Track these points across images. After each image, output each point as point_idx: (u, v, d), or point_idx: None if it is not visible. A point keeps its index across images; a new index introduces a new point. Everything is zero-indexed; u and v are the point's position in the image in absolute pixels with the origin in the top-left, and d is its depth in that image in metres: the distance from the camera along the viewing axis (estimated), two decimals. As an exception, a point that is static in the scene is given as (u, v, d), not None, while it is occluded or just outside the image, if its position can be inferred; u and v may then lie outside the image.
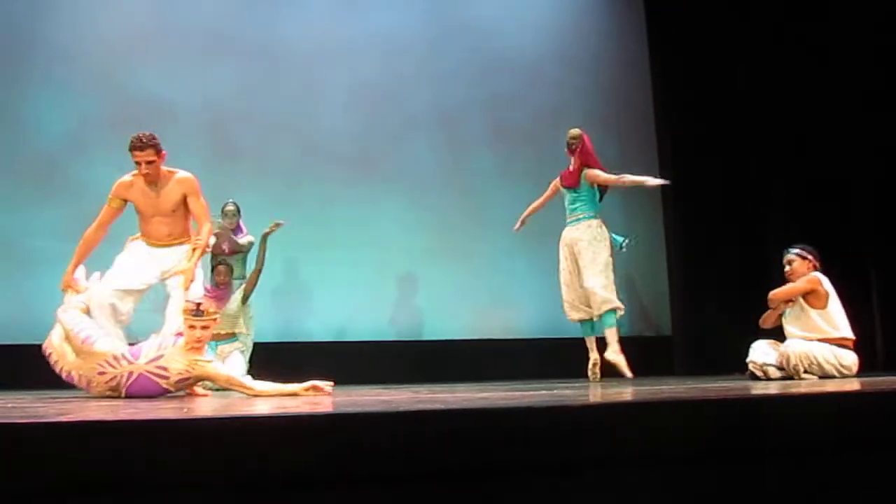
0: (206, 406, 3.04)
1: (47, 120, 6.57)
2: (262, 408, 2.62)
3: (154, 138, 4.37)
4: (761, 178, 7.05)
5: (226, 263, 5.77)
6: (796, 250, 4.87)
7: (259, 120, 6.89)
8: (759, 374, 4.59)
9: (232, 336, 5.73)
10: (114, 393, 3.77)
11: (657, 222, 7.44)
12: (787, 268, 4.86)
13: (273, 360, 5.93)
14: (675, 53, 7.30)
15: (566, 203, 5.76)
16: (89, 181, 6.56)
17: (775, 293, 4.77)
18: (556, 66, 7.59)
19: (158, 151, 4.38)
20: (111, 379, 3.75)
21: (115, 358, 3.77)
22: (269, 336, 6.29)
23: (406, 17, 7.40)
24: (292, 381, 3.54)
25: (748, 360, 4.67)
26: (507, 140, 7.34)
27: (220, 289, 5.75)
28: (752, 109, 7.06)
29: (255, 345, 5.92)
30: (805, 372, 4.47)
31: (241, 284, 5.85)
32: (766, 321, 4.83)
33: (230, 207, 5.95)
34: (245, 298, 5.80)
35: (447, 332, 7.01)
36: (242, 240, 5.96)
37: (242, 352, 5.74)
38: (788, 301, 4.74)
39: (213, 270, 5.78)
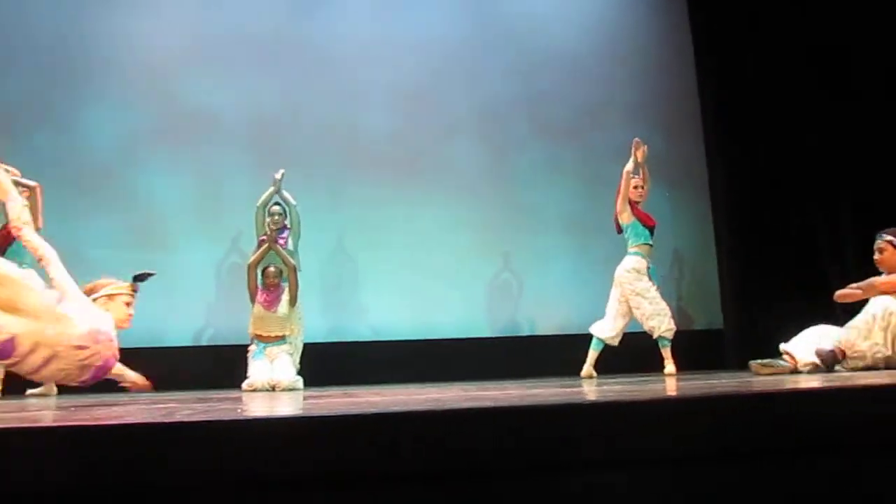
0: (262, 405, 3.09)
1: (101, 132, 6.76)
2: (321, 410, 2.66)
3: None
4: (813, 165, 6.88)
5: (275, 266, 5.87)
6: (888, 237, 4.44)
7: (304, 125, 6.98)
8: (787, 362, 4.27)
9: (281, 339, 5.82)
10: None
11: (706, 213, 7.33)
12: (877, 255, 4.44)
13: (322, 361, 6.03)
14: (721, 44, 7.17)
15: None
16: (142, 191, 6.75)
17: (882, 283, 4.33)
18: (599, 60, 7.52)
19: None
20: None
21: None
22: (318, 337, 6.38)
23: (448, 17, 7.41)
24: (341, 383, 3.58)
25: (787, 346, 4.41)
26: (550, 137, 7.31)
27: (269, 291, 5.85)
28: (803, 96, 6.90)
29: (305, 345, 6.00)
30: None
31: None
32: (846, 298, 4.52)
33: (275, 208, 6.06)
34: (293, 301, 5.88)
35: (492, 329, 7.03)
36: (289, 245, 6.05)
37: (291, 354, 5.82)
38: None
39: (262, 273, 5.88)
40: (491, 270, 7.10)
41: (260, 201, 6.07)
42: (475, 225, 7.06)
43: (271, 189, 6.08)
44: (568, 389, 3.29)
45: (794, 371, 4.24)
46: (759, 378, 3.88)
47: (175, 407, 2.74)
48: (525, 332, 7.07)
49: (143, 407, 2.86)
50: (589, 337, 5.80)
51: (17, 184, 5.30)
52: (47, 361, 3.05)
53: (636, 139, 5.81)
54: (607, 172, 6.54)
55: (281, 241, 5.99)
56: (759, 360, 4.29)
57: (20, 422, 2.22)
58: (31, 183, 5.61)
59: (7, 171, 4.58)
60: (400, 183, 6.98)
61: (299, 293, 5.92)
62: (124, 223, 6.64)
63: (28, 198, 5.50)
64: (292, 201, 6.10)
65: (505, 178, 7.23)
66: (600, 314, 5.85)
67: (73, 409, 2.92)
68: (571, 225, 7.13)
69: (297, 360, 5.86)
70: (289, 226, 6.10)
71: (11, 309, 3.01)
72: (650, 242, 5.81)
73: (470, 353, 6.55)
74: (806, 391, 2.61)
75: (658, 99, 7.49)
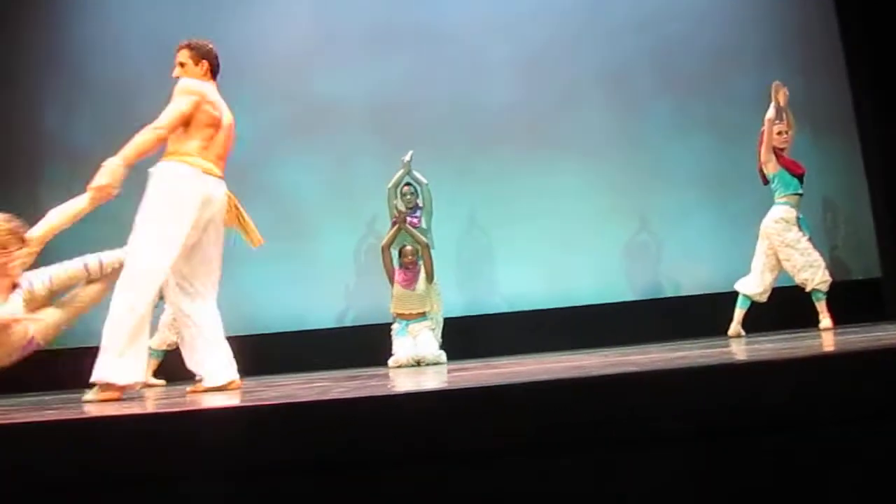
0: (408, 381, 3.19)
1: (238, 129, 7.11)
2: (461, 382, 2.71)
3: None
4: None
5: (410, 245, 6.01)
6: None
7: (428, 105, 7.07)
8: None
9: (422, 315, 5.96)
10: None
11: (855, 157, 6.83)
12: None
13: (462, 335, 6.13)
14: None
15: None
16: (280, 183, 7.09)
17: None
18: (726, 1, 7.14)
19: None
20: None
21: None
22: (457, 311, 6.49)
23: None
24: (482, 355, 3.62)
25: None
26: (678, 90, 7.02)
27: (407, 270, 6.01)
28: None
29: (444, 320, 6.12)
30: None
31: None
32: None
33: (406, 188, 6.19)
34: (429, 277, 6.00)
35: (633, 293, 6.89)
36: (422, 224, 6.16)
37: (433, 329, 5.95)
38: None
39: (399, 253, 6.03)
40: (627, 233, 6.95)
41: (391, 183, 6.21)
42: (606, 188, 6.93)
43: (401, 171, 6.21)
44: (716, 350, 3.19)
45: None
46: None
47: (328, 385, 2.87)
48: (667, 294, 6.88)
49: (300, 387, 3.02)
50: (735, 295, 5.58)
51: None
52: None
53: (776, 82, 5.48)
54: (742, 122, 6.23)
55: (414, 221, 6.12)
56: None
57: (196, 405, 2.41)
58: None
59: None
60: (527, 153, 6.94)
61: (436, 269, 6.04)
62: (267, 215, 6.97)
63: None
64: (423, 181, 6.20)
65: (633, 137, 7.03)
66: (745, 270, 5.61)
67: (240, 391, 3.13)
68: (707, 179, 6.84)
69: (440, 334, 5.99)
70: (421, 205, 6.22)
71: None
72: (800, 192, 5.47)
73: (610, 318, 6.46)
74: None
75: (794, 39, 7.01)
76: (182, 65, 3.67)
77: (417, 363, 5.55)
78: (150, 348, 5.47)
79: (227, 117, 3.70)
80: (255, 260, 6.92)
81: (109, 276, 3.71)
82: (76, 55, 7.26)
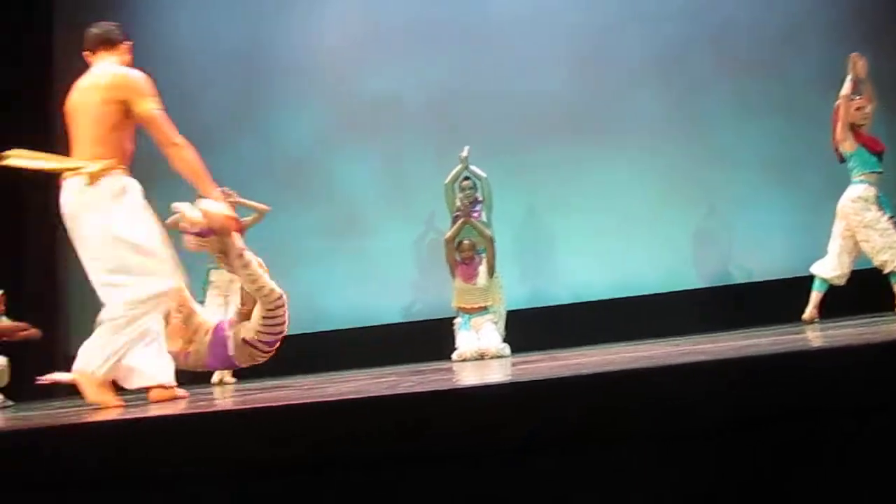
0: (471, 373, 3.18)
1: (295, 131, 7.28)
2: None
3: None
4: None
5: (468, 239, 6.00)
6: None
7: (482, 98, 7.05)
8: None
9: (484, 309, 5.95)
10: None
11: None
12: None
13: (525, 327, 6.10)
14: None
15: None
16: (338, 181, 7.20)
17: None
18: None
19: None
20: None
21: None
22: (520, 304, 6.46)
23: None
24: (546, 347, 3.59)
25: None
26: (738, 71, 6.83)
27: (467, 264, 6.01)
28: None
29: (507, 313, 6.10)
30: None
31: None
32: None
33: (465, 183, 6.18)
34: (490, 271, 5.98)
35: (701, 280, 6.74)
36: (483, 217, 6.15)
37: (495, 323, 5.93)
38: None
39: (457, 248, 6.03)
40: (692, 219, 6.81)
41: (448, 179, 6.20)
42: (668, 174, 6.80)
43: (459, 167, 6.19)
44: (789, 337, 3.10)
45: None
46: None
47: (396, 380, 2.90)
48: (737, 280, 6.71)
49: (368, 382, 3.05)
50: (810, 279, 5.39)
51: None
52: None
53: (853, 54, 5.20)
54: (806, 101, 6.05)
55: (475, 215, 6.10)
56: None
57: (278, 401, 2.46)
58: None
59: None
60: (585, 142, 6.87)
61: (497, 262, 6.02)
62: (326, 214, 7.12)
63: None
64: (482, 174, 6.18)
65: (693, 121, 6.88)
66: (817, 253, 5.42)
67: (307, 387, 3.18)
68: (773, 162, 6.65)
69: (503, 327, 5.97)
70: (481, 199, 6.20)
71: None
72: (879, 170, 5.21)
73: (677, 306, 6.34)
74: None
75: (861, 13, 6.74)
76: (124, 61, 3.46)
77: (481, 356, 5.54)
78: None
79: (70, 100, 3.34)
80: (317, 258, 7.06)
81: None
82: (139, 66, 7.48)
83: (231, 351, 3.56)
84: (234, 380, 5.93)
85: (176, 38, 7.51)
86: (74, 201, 3.15)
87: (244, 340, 3.54)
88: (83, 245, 3.17)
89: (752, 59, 6.81)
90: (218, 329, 3.61)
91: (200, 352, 3.58)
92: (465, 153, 6.18)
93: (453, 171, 6.20)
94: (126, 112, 3.23)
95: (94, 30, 3.44)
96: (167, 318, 3.41)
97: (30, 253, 7.20)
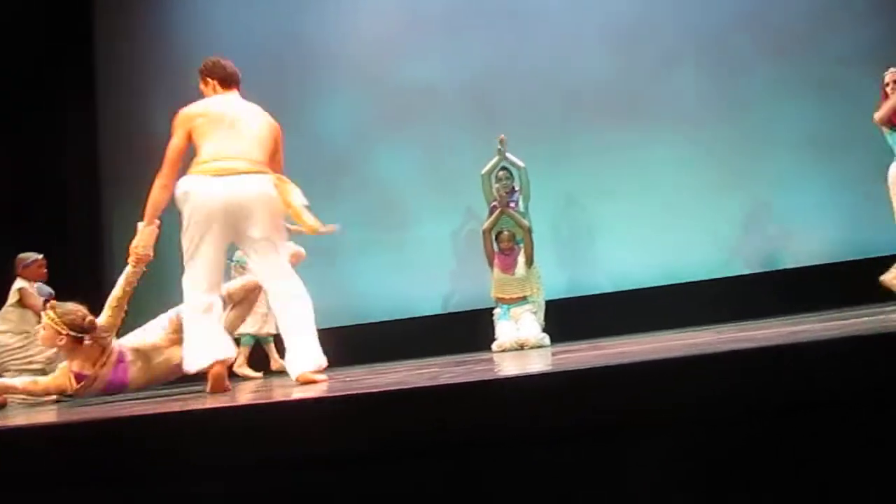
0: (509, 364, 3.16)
1: (334, 123, 7.31)
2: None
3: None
4: None
5: (507, 230, 5.97)
6: None
7: (520, 84, 7.00)
8: None
9: (522, 299, 5.92)
10: None
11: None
12: None
13: (565, 316, 6.05)
14: None
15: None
16: (377, 172, 7.21)
17: None
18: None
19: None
20: None
21: None
22: (559, 293, 6.41)
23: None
24: (587, 336, 3.55)
25: None
26: (779, 51, 6.66)
27: (505, 254, 5.98)
28: None
29: (547, 303, 6.06)
30: None
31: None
32: None
33: (501, 173, 6.13)
34: (529, 261, 5.95)
35: (746, 266, 6.60)
36: (520, 207, 6.11)
37: (535, 313, 5.89)
38: None
39: (496, 238, 6.00)
40: (734, 203, 6.66)
41: (485, 169, 6.14)
42: (709, 158, 6.67)
43: (496, 158, 6.12)
44: (838, 323, 3.01)
45: None
46: None
47: (437, 371, 2.89)
48: (783, 265, 6.55)
49: (410, 373, 3.05)
50: (858, 263, 5.21)
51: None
52: None
53: None
54: (849, 79, 5.86)
55: (511, 205, 6.06)
56: None
57: (304, 393, 2.47)
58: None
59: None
60: (623, 126, 6.77)
61: (536, 251, 5.97)
62: (366, 205, 7.13)
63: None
64: (520, 164, 6.11)
65: (734, 103, 6.74)
66: (865, 236, 5.25)
67: (347, 379, 3.18)
68: (816, 142, 6.47)
69: (542, 317, 5.93)
70: (517, 188, 6.15)
71: None
72: None
73: (721, 293, 6.22)
74: None
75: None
76: (201, 90, 3.84)
77: (521, 347, 5.52)
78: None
79: (231, 111, 3.63)
80: (357, 250, 7.08)
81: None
82: (179, 62, 7.56)
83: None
84: (259, 374, 5.99)
85: (212, 32, 7.58)
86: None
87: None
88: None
89: (790, 39, 6.64)
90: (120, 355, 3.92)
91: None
92: (501, 139, 6.09)
93: (491, 162, 6.15)
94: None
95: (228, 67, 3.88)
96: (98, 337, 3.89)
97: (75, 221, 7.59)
